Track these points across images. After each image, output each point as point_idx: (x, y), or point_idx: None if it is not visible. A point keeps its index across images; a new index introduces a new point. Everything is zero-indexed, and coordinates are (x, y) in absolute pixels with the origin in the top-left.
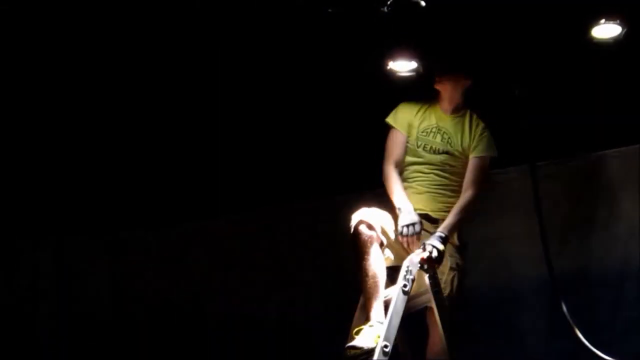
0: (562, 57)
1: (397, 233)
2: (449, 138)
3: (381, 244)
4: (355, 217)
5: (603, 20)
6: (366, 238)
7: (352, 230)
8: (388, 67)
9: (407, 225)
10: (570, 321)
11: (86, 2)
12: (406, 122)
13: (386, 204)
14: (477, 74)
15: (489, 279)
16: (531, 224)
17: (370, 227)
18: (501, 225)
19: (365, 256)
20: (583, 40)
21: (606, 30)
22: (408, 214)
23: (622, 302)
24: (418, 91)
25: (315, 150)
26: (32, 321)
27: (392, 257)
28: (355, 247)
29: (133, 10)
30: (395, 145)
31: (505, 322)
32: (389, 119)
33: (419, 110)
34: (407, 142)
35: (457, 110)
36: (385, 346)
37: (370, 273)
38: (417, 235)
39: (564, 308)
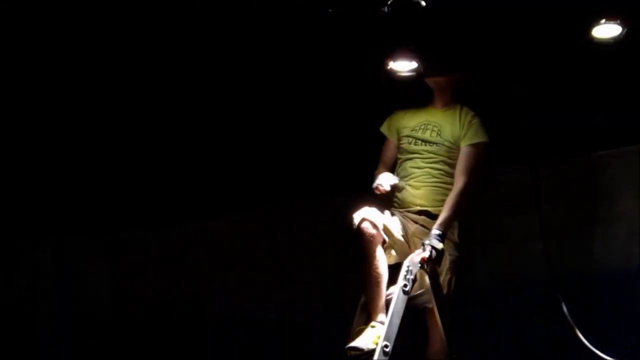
0: (563, 57)
1: (402, 233)
2: (439, 130)
3: (383, 242)
4: (357, 216)
5: (603, 20)
6: (369, 237)
7: (354, 228)
8: (388, 67)
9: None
10: (570, 321)
11: (86, 2)
12: (395, 128)
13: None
14: (476, 74)
15: (488, 279)
16: (531, 223)
17: (373, 225)
18: (502, 225)
19: (369, 255)
20: (583, 40)
21: (606, 30)
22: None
23: (622, 302)
24: (417, 91)
25: (315, 151)
26: (32, 321)
27: (395, 255)
28: (358, 246)
29: (133, 10)
30: (385, 152)
31: (505, 321)
32: (382, 128)
33: (408, 112)
34: (400, 144)
35: (449, 104)
36: (386, 346)
37: (374, 273)
38: (386, 181)
39: (564, 308)
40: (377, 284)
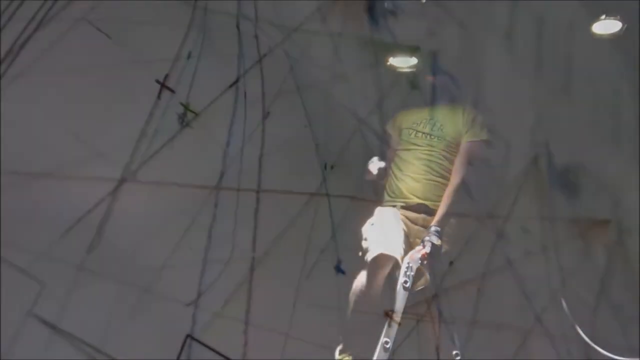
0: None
1: (404, 246)
2: (440, 125)
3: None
4: (375, 246)
5: (603, 16)
6: (379, 271)
7: (369, 259)
8: (388, 63)
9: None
10: (571, 319)
11: None
12: (397, 125)
13: None
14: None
15: (489, 278)
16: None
17: (387, 261)
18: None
19: (371, 285)
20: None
21: (606, 26)
22: None
23: (622, 301)
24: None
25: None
26: None
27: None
28: (368, 272)
29: None
30: (390, 150)
31: (506, 321)
32: (387, 126)
33: (412, 110)
34: (401, 137)
35: (452, 102)
36: (386, 342)
37: (363, 302)
38: (374, 166)
39: (564, 306)
40: (360, 310)
